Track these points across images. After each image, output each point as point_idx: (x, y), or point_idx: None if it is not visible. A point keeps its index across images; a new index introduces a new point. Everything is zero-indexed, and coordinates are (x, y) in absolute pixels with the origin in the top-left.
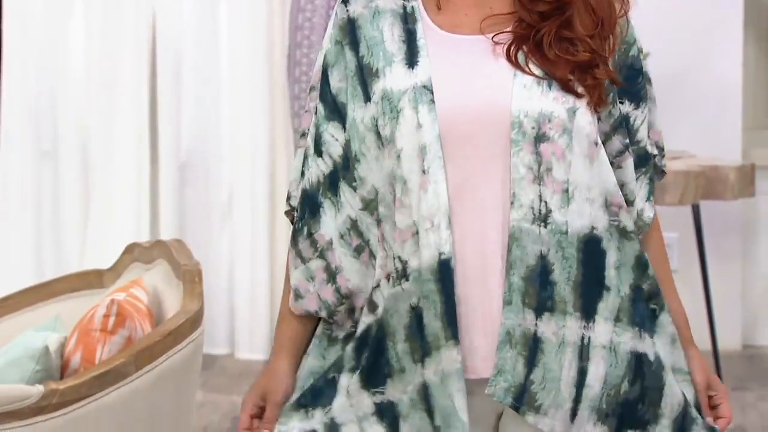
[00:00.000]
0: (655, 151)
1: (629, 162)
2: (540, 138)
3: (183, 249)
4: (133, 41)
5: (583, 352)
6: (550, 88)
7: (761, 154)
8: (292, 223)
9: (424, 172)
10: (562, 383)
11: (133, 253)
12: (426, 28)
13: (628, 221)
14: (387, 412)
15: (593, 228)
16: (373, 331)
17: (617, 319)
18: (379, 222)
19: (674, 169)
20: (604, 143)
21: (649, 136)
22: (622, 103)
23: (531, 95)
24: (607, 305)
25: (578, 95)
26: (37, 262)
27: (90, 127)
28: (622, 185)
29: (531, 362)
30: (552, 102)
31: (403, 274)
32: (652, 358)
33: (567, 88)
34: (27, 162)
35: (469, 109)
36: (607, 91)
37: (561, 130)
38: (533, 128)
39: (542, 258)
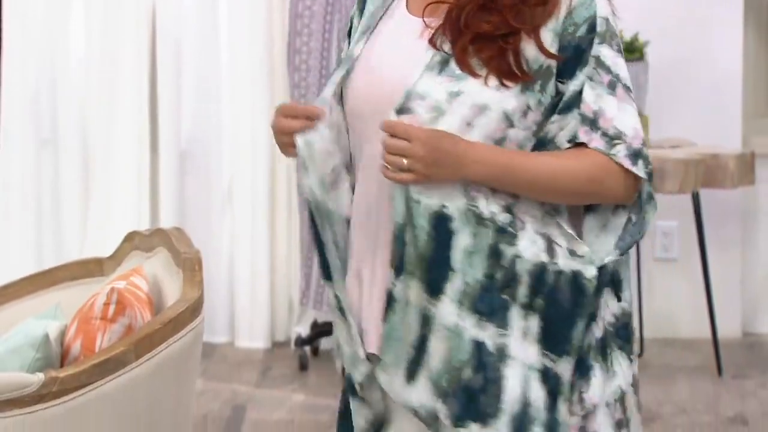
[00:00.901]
0: (583, 136)
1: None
2: (402, 110)
3: (183, 237)
4: (133, 30)
5: (426, 323)
6: (441, 69)
7: (761, 142)
8: None
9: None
10: (402, 342)
11: (133, 241)
12: (396, 8)
13: (485, 209)
14: None
15: (443, 206)
16: None
17: (461, 303)
18: None
19: (674, 158)
20: (537, 131)
21: (580, 109)
22: (563, 83)
23: (423, 76)
24: (453, 287)
25: (473, 73)
26: (37, 250)
27: (90, 116)
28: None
29: (385, 319)
30: (434, 84)
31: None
32: (492, 348)
33: (462, 63)
34: (27, 150)
35: (371, 80)
36: (518, 64)
37: (430, 107)
38: (399, 102)
39: (399, 223)
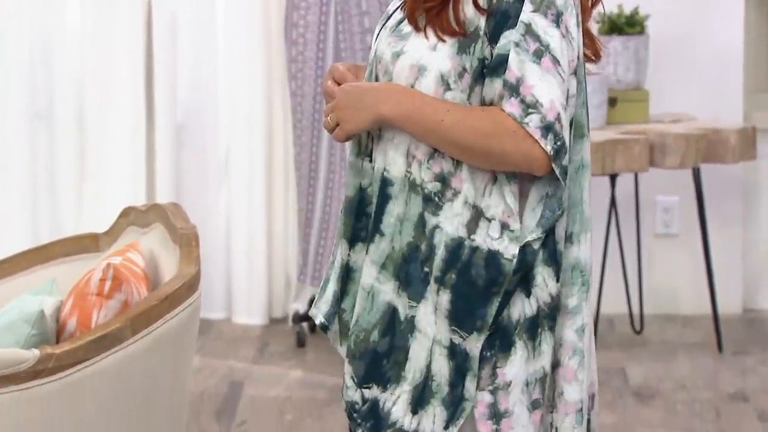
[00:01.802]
0: (505, 106)
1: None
2: (375, 77)
3: (179, 212)
4: (128, 1)
5: (344, 279)
6: (394, 29)
7: (763, 116)
8: None
9: None
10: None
11: (129, 216)
12: None
13: (418, 175)
14: None
15: (386, 170)
16: None
17: (383, 267)
18: None
19: (675, 132)
20: (470, 95)
21: (505, 75)
22: (493, 48)
23: (381, 38)
24: (377, 250)
25: (417, 27)
26: (32, 225)
27: (85, 90)
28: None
29: (343, 291)
30: (385, 45)
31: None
32: (402, 317)
33: (411, 16)
34: (21, 123)
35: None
36: (457, 18)
37: (383, 71)
38: (371, 69)
39: (361, 190)
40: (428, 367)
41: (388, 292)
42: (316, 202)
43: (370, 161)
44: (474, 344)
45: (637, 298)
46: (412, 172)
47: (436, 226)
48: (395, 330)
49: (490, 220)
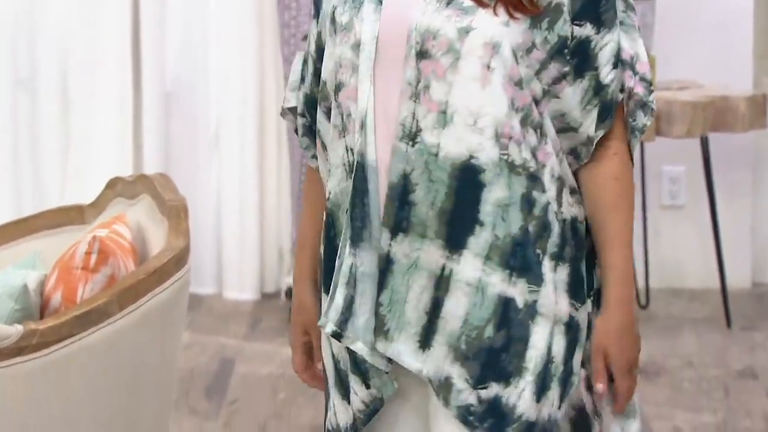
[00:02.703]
0: (612, 83)
1: (568, 92)
2: (422, 54)
3: (168, 183)
4: None
5: (441, 283)
6: (448, 4)
7: None
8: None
9: (353, 69)
10: (408, 306)
11: (115, 187)
12: None
13: (517, 155)
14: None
15: (472, 157)
16: (327, 230)
17: (488, 258)
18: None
19: (682, 100)
20: (539, 70)
21: (615, 66)
22: (580, 25)
23: (428, 11)
24: (479, 241)
25: (481, 2)
26: (15, 197)
27: (69, 54)
28: (561, 115)
29: (381, 284)
30: (443, 19)
31: (350, 169)
32: (520, 305)
33: None
34: (2, 91)
35: (394, 18)
36: None
37: (446, 48)
38: (417, 43)
39: (404, 177)
40: (549, 349)
41: (496, 283)
42: None
43: (413, 146)
44: (583, 314)
45: (642, 272)
46: (510, 154)
47: (548, 203)
48: (511, 321)
49: (570, 189)
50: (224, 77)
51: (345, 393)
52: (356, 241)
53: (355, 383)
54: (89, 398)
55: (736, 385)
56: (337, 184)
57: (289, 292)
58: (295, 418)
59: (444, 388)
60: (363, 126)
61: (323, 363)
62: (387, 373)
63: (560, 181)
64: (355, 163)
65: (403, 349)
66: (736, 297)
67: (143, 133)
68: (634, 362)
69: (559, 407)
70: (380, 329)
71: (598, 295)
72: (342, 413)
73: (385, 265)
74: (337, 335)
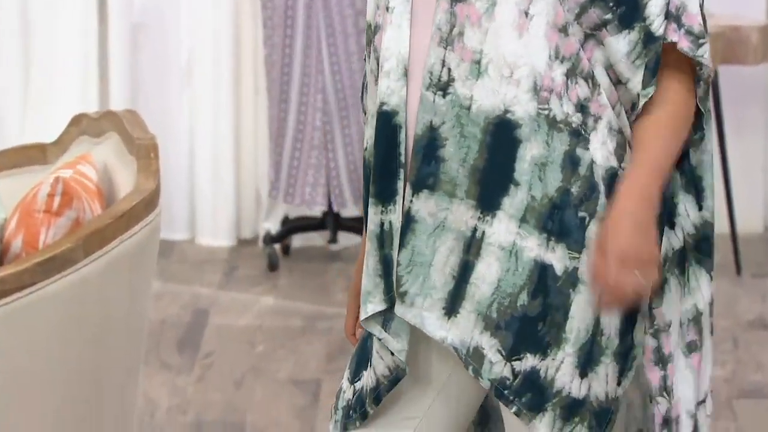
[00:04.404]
0: (671, 35)
1: (611, 41)
2: (453, 26)
3: (136, 120)
4: None
5: (472, 246)
6: None
7: None
8: None
9: (387, 9)
10: (433, 270)
11: (80, 125)
12: None
13: (559, 110)
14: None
15: (507, 111)
16: (365, 183)
17: (523, 220)
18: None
19: None
20: (579, 14)
21: (666, 17)
22: None
23: None
24: (514, 202)
25: None
26: None
27: None
28: (609, 66)
29: (400, 242)
30: None
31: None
32: (559, 271)
33: None
34: None
35: None
36: None
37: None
38: (447, 17)
39: (432, 129)
40: (596, 321)
41: (533, 248)
42: (289, 110)
43: (444, 96)
44: None
45: None
46: (551, 108)
47: (593, 162)
48: (549, 288)
49: (629, 144)
50: (196, 7)
51: (369, 358)
52: (381, 197)
53: (380, 348)
54: (53, 350)
55: (746, 337)
56: (372, 135)
57: (267, 238)
58: (274, 372)
59: (474, 358)
60: (388, 71)
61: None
62: (392, 355)
63: (621, 135)
64: (381, 111)
65: (426, 316)
66: (747, 242)
67: (110, 67)
68: (634, 257)
69: (619, 384)
70: (397, 291)
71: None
72: (367, 377)
73: (406, 223)
74: (386, 308)
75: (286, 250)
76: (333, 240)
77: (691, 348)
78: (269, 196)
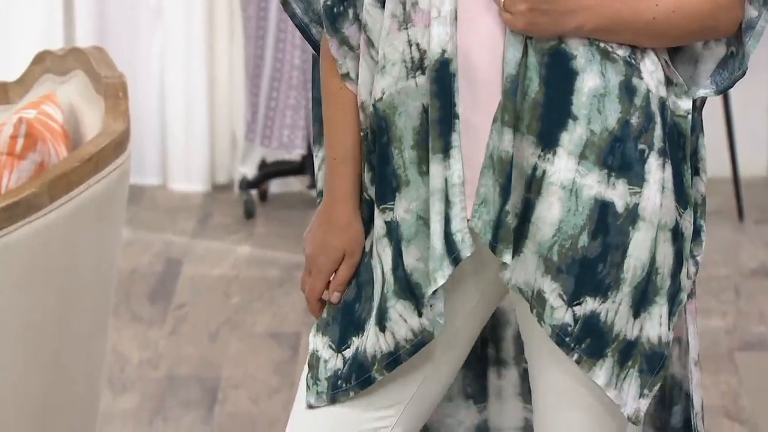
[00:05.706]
0: None
1: None
2: None
3: (104, 58)
4: None
5: (533, 185)
6: None
7: None
8: None
9: None
10: (496, 209)
11: (44, 62)
12: None
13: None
14: (394, 233)
15: (561, 41)
16: (377, 136)
17: (583, 156)
18: None
19: None
20: None
21: None
22: None
23: None
24: (572, 137)
25: None
26: None
27: None
28: None
29: (506, 190)
30: None
31: (419, 65)
32: (620, 209)
33: None
34: None
35: None
36: None
37: None
38: None
39: (522, 67)
40: (653, 258)
41: (593, 185)
42: (266, 48)
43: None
44: (688, 222)
45: None
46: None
47: (648, 91)
48: (609, 227)
49: (671, 80)
50: None
51: (380, 320)
52: (447, 149)
53: (405, 309)
54: (16, 301)
55: (749, 285)
56: (393, 83)
57: (243, 184)
58: (250, 325)
59: (538, 302)
60: (444, 17)
61: (356, 290)
62: (420, 317)
63: (668, 65)
64: (434, 60)
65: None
66: (749, 187)
67: (75, 0)
68: (534, 14)
69: (669, 328)
70: (507, 241)
71: (695, 207)
72: (374, 342)
73: (511, 169)
74: (492, 247)
75: (263, 195)
76: (313, 185)
77: (690, 295)
78: (245, 139)
